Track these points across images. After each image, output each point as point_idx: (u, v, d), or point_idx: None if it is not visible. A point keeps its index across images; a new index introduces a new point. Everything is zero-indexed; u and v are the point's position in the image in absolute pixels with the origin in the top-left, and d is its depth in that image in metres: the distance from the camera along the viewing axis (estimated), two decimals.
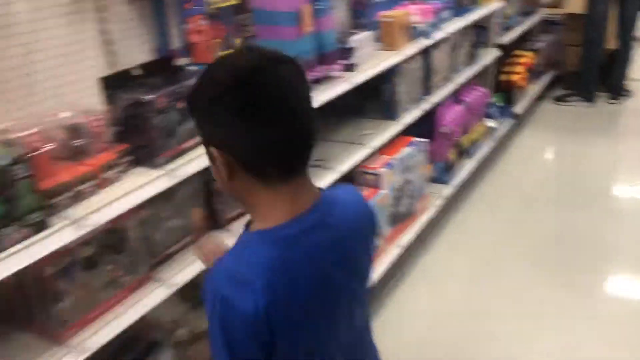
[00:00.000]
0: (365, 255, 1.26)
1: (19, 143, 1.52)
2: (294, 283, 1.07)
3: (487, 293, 3.12)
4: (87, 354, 1.60)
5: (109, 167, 1.69)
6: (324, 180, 2.60)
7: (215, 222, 2.17)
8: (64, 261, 1.58)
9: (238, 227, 2.16)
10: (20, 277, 1.54)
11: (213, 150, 1.08)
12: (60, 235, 1.47)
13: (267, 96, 1.02)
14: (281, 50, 1.11)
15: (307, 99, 1.10)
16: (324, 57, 2.47)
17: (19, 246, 1.39)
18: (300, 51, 2.32)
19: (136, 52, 2.38)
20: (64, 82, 2.10)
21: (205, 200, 2.14)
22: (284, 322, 1.06)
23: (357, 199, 1.29)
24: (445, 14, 3.72)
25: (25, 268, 1.41)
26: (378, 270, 2.95)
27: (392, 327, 2.86)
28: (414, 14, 3.24)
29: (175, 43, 2.47)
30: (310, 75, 2.39)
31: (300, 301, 1.09)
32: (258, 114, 1.03)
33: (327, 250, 1.13)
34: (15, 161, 1.36)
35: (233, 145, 1.06)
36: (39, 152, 1.54)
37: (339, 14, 2.95)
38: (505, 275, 3.27)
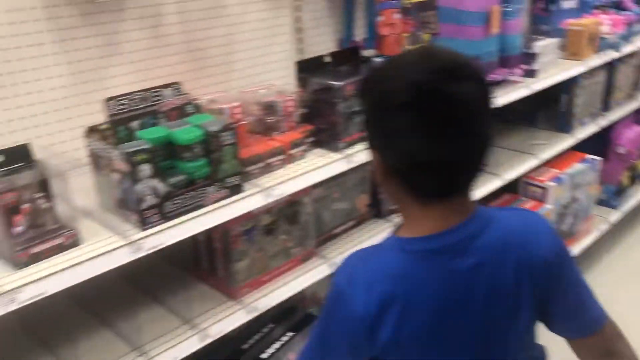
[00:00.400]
0: (528, 289, 1.08)
1: (225, 113, 1.68)
2: (411, 300, 1.02)
3: None
4: (256, 313, 1.74)
5: (295, 144, 1.80)
6: (487, 186, 2.55)
7: (378, 211, 2.22)
8: (248, 224, 1.72)
9: (398, 218, 2.20)
10: (210, 233, 1.71)
11: (372, 152, 1.07)
12: (250, 200, 1.60)
13: (439, 116, 0.97)
14: (467, 57, 1.05)
15: (484, 121, 1.02)
16: (507, 60, 2.42)
17: (216, 205, 1.53)
18: (484, 52, 2.29)
19: (323, 41, 2.51)
20: (259, 62, 2.28)
21: (371, 188, 2.20)
22: (388, 335, 1.02)
23: (529, 225, 1.13)
24: (638, 26, 3.45)
25: (219, 225, 1.55)
26: None
27: None
28: (604, 24, 3.05)
29: (361, 34, 2.56)
30: (490, 77, 2.35)
31: (413, 321, 1.03)
32: (425, 132, 0.98)
33: (462, 275, 1.04)
34: (224, 128, 1.50)
35: (393, 154, 1.03)
36: (240, 123, 1.69)
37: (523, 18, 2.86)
38: None
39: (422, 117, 0.97)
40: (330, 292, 1.09)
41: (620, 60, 3.31)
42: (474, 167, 1.04)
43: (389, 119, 1.01)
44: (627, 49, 3.25)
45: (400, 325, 1.02)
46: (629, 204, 3.67)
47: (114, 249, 1.34)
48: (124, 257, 1.35)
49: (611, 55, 3.11)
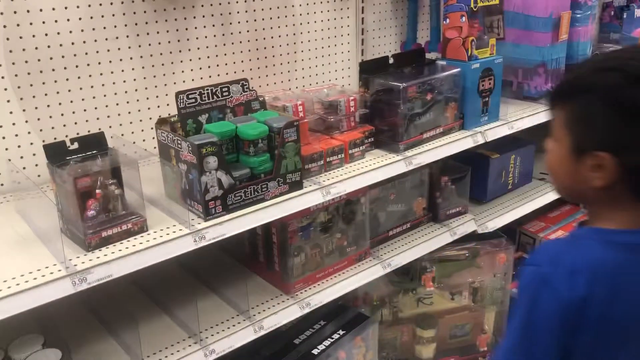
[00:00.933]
0: None
1: (289, 110, 1.71)
2: (618, 290, 1.03)
3: None
4: (309, 309, 1.76)
5: (355, 144, 1.82)
6: (547, 195, 2.50)
7: (434, 215, 2.21)
8: (305, 221, 1.74)
9: (455, 223, 2.18)
10: (269, 227, 1.74)
11: (601, 155, 1.02)
12: (309, 197, 1.62)
13: None
14: None
15: None
16: None
17: (276, 199, 1.56)
18: (551, 59, 2.24)
19: (385, 43, 2.51)
20: (323, 62, 2.30)
21: (428, 192, 2.19)
22: (594, 325, 1.03)
23: None
24: None
25: (277, 219, 1.58)
26: None
27: None
28: None
29: (424, 38, 2.56)
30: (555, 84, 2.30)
31: (617, 311, 1.04)
32: None
33: None
34: (288, 125, 1.53)
35: (631, 149, 1.01)
36: (303, 121, 1.71)
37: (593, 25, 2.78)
38: None
39: None
40: (527, 280, 1.08)
41: None
42: None
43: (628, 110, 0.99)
44: None
45: (605, 314, 1.03)
46: None
47: (178, 237, 1.38)
48: (187, 245, 1.40)
49: None
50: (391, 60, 2.07)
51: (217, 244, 1.47)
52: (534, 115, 2.21)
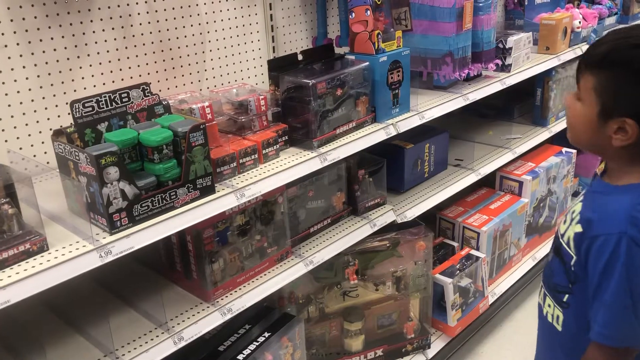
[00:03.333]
0: None
1: (195, 113, 1.66)
2: None
3: None
4: (231, 315, 1.72)
5: (268, 144, 1.79)
6: (463, 181, 2.57)
7: (354, 208, 2.22)
8: (221, 225, 1.70)
9: (374, 215, 2.20)
10: (183, 235, 1.69)
11: (626, 120, 1.18)
12: (222, 201, 1.59)
13: None
14: None
15: None
16: (480, 55, 2.43)
17: (187, 206, 1.52)
18: (457, 47, 2.29)
19: (297, 39, 2.50)
20: (232, 61, 2.26)
21: (347, 186, 2.19)
22: None
23: None
24: (611, 20, 3.49)
25: (191, 226, 1.54)
26: (510, 280, 2.86)
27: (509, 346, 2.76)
28: (576, 18, 3.07)
29: (334, 33, 2.56)
30: (464, 73, 2.36)
31: None
32: None
33: None
34: (194, 129, 1.48)
35: None
36: (211, 123, 1.67)
37: (496, 12, 2.87)
38: None
39: None
40: (610, 247, 1.18)
41: None
42: None
43: None
44: None
45: None
46: None
47: (82, 254, 1.32)
48: (92, 262, 1.33)
49: (584, 48, 3.13)
50: (300, 57, 2.06)
51: (131, 255, 1.42)
52: (444, 104, 2.26)
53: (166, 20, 2.02)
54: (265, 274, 1.86)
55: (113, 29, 1.89)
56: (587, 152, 1.41)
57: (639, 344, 1.26)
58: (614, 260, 1.19)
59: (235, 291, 1.78)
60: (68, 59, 1.80)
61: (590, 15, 3.22)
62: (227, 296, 1.75)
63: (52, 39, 1.75)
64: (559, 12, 3.08)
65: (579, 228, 1.28)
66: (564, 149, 3.18)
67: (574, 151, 3.23)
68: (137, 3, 1.92)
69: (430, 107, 2.21)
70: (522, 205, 2.82)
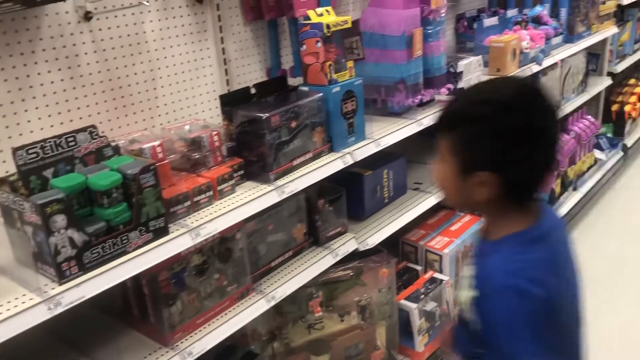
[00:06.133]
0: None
1: (146, 153, 1.63)
2: (558, 270, 1.24)
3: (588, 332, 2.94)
4: (191, 358, 1.67)
5: (223, 180, 1.77)
6: (423, 204, 2.58)
7: (315, 239, 2.20)
8: (177, 267, 1.66)
9: (336, 244, 2.19)
10: (138, 279, 1.65)
11: (483, 174, 1.21)
12: (177, 242, 1.55)
13: (546, 122, 1.21)
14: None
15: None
16: (432, 81, 2.46)
17: (141, 250, 1.48)
18: (409, 74, 2.33)
19: (251, 71, 2.49)
20: (184, 97, 2.23)
21: (307, 217, 2.18)
22: (557, 307, 1.22)
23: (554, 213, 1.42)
24: (557, 40, 3.60)
25: (146, 270, 1.49)
26: None
27: None
28: (524, 40, 3.16)
29: (288, 64, 2.56)
30: (417, 99, 2.39)
31: (563, 287, 1.25)
32: (541, 139, 1.20)
33: (564, 244, 1.32)
34: (144, 170, 1.45)
35: (516, 168, 1.19)
36: (163, 162, 1.64)
37: (445, 38, 2.93)
38: (610, 314, 3.07)
39: (536, 121, 1.19)
40: (502, 301, 1.20)
41: (542, 72, 3.44)
42: None
43: (502, 132, 1.18)
44: (548, 61, 3.38)
45: (559, 297, 1.24)
46: (562, 211, 3.79)
47: (29, 308, 1.26)
48: (40, 315, 1.28)
49: (533, 68, 3.22)
50: (253, 91, 2.05)
51: (86, 301, 1.36)
52: (399, 130, 2.28)
53: (114, 58, 1.98)
54: (226, 314, 1.82)
55: (59, 69, 1.84)
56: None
57: None
58: (509, 317, 1.19)
59: (196, 333, 1.73)
60: (12, 102, 1.74)
61: (537, 36, 3.31)
62: (186, 339, 1.70)
63: None
64: (507, 34, 3.16)
65: (474, 292, 1.28)
66: None
67: None
68: (83, 43, 1.89)
69: (386, 134, 2.23)
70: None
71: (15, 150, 1.38)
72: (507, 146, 1.18)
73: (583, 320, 1.38)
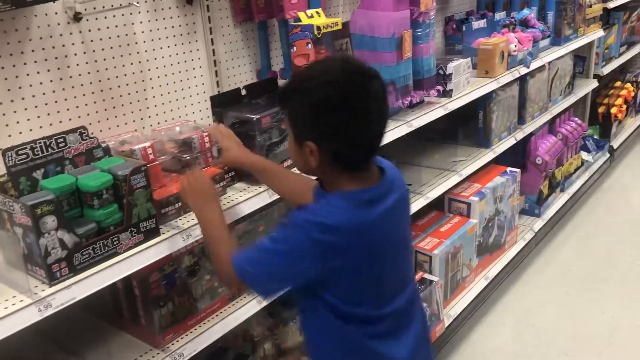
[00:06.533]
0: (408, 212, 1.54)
1: (136, 154, 1.62)
2: (370, 233, 1.33)
3: (576, 332, 2.97)
4: None
5: (214, 181, 1.77)
6: (412, 205, 2.59)
7: None
8: (168, 268, 1.66)
9: None
10: (129, 280, 1.64)
11: (309, 143, 1.30)
12: (169, 243, 1.55)
13: (369, 99, 1.29)
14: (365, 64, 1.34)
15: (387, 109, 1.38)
16: (421, 83, 2.48)
17: (132, 251, 1.47)
18: (398, 76, 2.34)
19: (241, 73, 2.49)
20: (174, 98, 2.23)
21: None
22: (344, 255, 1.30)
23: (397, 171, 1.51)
24: (544, 42, 3.64)
25: (137, 271, 1.49)
26: (464, 301, 2.89)
27: None
28: (512, 42, 3.19)
29: (278, 65, 2.57)
30: (406, 101, 2.40)
31: (368, 245, 1.34)
32: (361, 113, 1.28)
33: (396, 207, 1.39)
34: (134, 171, 1.45)
35: (331, 139, 1.29)
36: (153, 163, 1.64)
37: (435, 40, 2.95)
38: (598, 315, 3.10)
39: (357, 99, 1.27)
40: (297, 224, 1.31)
41: (530, 74, 3.47)
42: (381, 141, 1.37)
43: (326, 107, 1.27)
44: (536, 63, 3.41)
45: (356, 248, 1.34)
46: (549, 212, 3.83)
47: (19, 310, 1.25)
48: (30, 317, 1.27)
49: (521, 71, 3.25)
50: (244, 92, 2.05)
51: (76, 303, 1.36)
52: (389, 132, 2.29)
53: (104, 59, 1.98)
54: (217, 315, 1.82)
55: (49, 70, 1.83)
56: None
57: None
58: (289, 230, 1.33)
59: (187, 334, 1.73)
60: (1, 103, 1.73)
61: (525, 38, 3.34)
62: (177, 341, 1.70)
63: None
64: (496, 36, 3.18)
65: None
66: (509, 169, 3.27)
67: (518, 170, 3.32)
68: (73, 44, 1.88)
69: None
70: (472, 226, 2.87)
71: (4, 152, 1.37)
72: (323, 118, 1.28)
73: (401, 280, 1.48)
